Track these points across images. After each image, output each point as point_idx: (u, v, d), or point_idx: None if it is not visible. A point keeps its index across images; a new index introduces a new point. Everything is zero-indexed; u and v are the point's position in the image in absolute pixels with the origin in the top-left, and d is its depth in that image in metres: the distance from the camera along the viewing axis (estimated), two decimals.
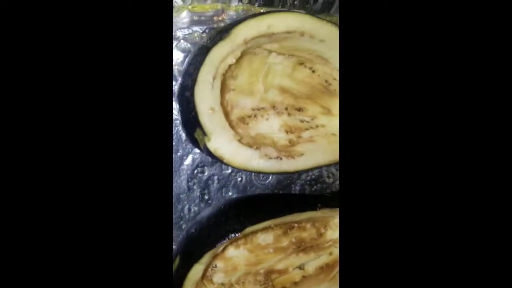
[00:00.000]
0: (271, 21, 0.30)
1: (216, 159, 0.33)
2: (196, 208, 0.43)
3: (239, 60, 0.35)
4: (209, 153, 0.32)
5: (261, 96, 0.40)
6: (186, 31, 0.38)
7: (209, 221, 0.35)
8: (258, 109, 0.40)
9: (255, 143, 0.36)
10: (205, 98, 0.30)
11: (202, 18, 0.38)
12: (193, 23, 0.37)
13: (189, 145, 0.40)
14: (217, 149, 0.31)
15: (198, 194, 0.43)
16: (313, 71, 0.40)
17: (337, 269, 0.41)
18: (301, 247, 0.42)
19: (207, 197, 0.43)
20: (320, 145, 0.39)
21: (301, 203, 0.37)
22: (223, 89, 0.35)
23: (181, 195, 0.41)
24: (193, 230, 0.35)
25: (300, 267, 0.42)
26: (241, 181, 0.44)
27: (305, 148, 0.39)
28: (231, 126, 0.34)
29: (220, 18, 0.38)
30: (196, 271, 0.33)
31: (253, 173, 0.44)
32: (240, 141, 0.33)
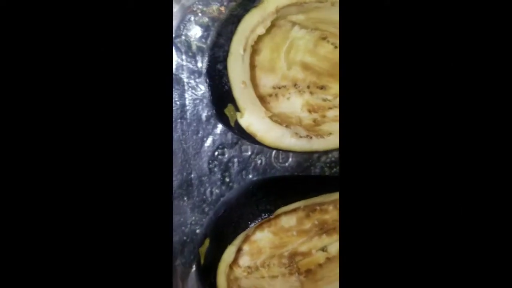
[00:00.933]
0: None
1: (247, 137, 0.31)
2: (217, 191, 0.41)
3: (262, 34, 0.34)
4: (240, 130, 0.31)
5: (282, 73, 0.38)
6: (204, 5, 0.36)
7: (238, 202, 0.34)
8: (279, 88, 0.39)
9: (283, 121, 0.35)
10: (237, 71, 0.29)
11: None
12: None
13: (209, 126, 0.39)
14: (250, 125, 0.30)
15: (219, 176, 0.41)
16: (336, 47, 0.39)
17: None
18: (324, 229, 0.42)
19: (228, 180, 0.42)
20: None
21: (328, 185, 0.36)
22: (252, 62, 0.34)
23: (202, 178, 0.40)
24: (223, 211, 0.34)
25: (323, 249, 0.42)
26: (261, 163, 0.43)
27: (332, 128, 0.37)
28: (263, 102, 0.32)
29: None
30: (230, 252, 0.32)
31: (272, 156, 0.43)
32: (271, 118, 0.32)
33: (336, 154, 0.45)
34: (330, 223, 0.42)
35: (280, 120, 0.35)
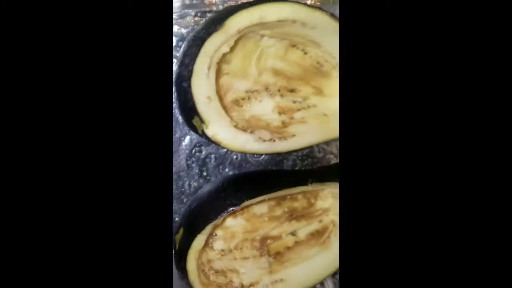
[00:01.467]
0: (263, 12, 0.31)
1: (213, 143, 0.35)
2: (195, 184, 0.46)
3: (232, 46, 0.36)
4: (207, 138, 0.35)
5: (254, 78, 0.41)
6: (178, 15, 0.38)
7: (209, 196, 0.38)
8: (252, 92, 0.42)
9: (249, 127, 0.38)
10: (202, 88, 0.32)
11: (194, 1, 0.38)
12: (185, 7, 0.38)
13: (186, 127, 0.43)
14: (215, 134, 0.34)
15: (197, 171, 0.46)
16: (305, 53, 0.41)
17: (327, 235, 0.46)
18: (293, 215, 0.47)
19: (205, 174, 0.46)
20: (311, 125, 0.42)
21: (293, 179, 0.41)
22: (218, 75, 0.37)
23: (181, 173, 0.45)
24: (195, 205, 0.39)
25: (293, 233, 0.47)
26: (236, 158, 0.47)
27: (297, 129, 0.41)
28: (227, 112, 0.36)
29: (213, 1, 0.38)
30: (200, 240, 0.37)
31: None
32: (236, 126, 0.35)
33: (307, 148, 0.49)
34: (300, 211, 0.47)
35: (248, 125, 0.39)
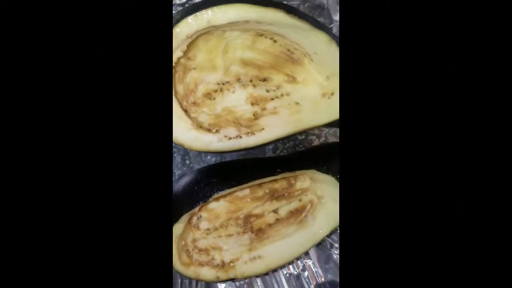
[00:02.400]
0: (211, 16, 0.30)
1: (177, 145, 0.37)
2: (179, 172, 0.49)
3: (192, 43, 0.36)
4: None
5: (224, 70, 0.41)
6: None
7: (184, 190, 0.42)
8: (223, 83, 0.42)
9: (217, 123, 0.39)
10: None
11: None
12: None
13: None
14: (176, 137, 0.35)
15: (179, 160, 0.49)
16: (275, 41, 0.40)
17: (304, 213, 0.49)
18: (275, 195, 0.49)
19: (188, 162, 0.49)
20: (281, 117, 0.42)
21: (263, 170, 0.42)
22: (180, 76, 0.37)
23: None
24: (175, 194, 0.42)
25: (275, 211, 0.50)
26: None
27: (267, 122, 0.42)
28: (190, 112, 0.37)
29: None
30: (177, 228, 0.41)
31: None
32: (199, 126, 0.37)
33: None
34: (280, 191, 0.49)
35: (216, 122, 0.40)
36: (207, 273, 0.44)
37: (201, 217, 0.48)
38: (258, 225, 0.50)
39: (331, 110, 0.41)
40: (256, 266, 0.46)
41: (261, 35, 0.40)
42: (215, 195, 0.40)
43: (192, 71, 0.40)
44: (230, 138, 0.38)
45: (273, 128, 0.41)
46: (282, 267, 0.50)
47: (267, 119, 0.42)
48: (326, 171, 0.43)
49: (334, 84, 0.41)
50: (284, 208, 0.49)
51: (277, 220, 0.50)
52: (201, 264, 0.45)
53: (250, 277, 0.46)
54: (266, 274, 0.47)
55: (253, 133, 0.40)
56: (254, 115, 0.43)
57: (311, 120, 0.42)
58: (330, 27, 0.46)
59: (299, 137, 0.52)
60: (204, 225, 0.48)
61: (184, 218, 0.41)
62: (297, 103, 0.43)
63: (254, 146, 0.40)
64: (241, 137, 0.39)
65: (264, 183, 0.48)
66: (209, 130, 0.37)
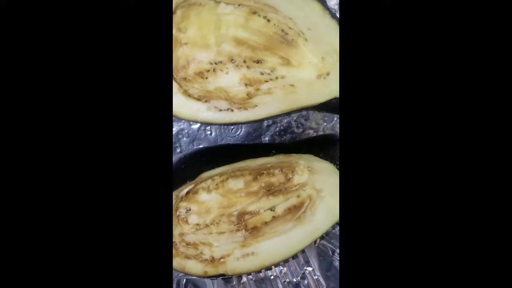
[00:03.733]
0: None
1: None
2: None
3: (184, 12, 0.36)
4: None
5: (217, 49, 0.41)
6: None
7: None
8: (216, 63, 0.41)
9: (206, 97, 0.38)
10: None
11: None
12: None
13: None
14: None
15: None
16: (268, 20, 0.40)
17: (303, 210, 0.45)
18: (271, 190, 0.46)
19: (178, 150, 0.47)
20: (276, 96, 0.41)
21: (256, 151, 0.40)
22: (174, 46, 0.36)
23: None
24: None
25: (271, 209, 0.46)
26: (210, 134, 0.47)
27: (260, 100, 0.40)
28: (176, 81, 0.36)
29: None
30: None
31: (222, 126, 0.47)
32: (187, 93, 0.35)
33: (285, 124, 0.48)
34: (277, 186, 0.46)
35: (207, 95, 0.38)
36: (193, 267, 0.40)
37: (190, 210, 0.44)
38: (253, 223, 0.46)
39: (326, 90, 0.40)
40: (249, 262, 0.42)
41: (254, 12, 0.40)
42: (205, 174, 0.37)
43: (183, 46, 0.39)
44: (220, 110, 0.36)
45: (267, 105, 0.40)
46: (280, 270, 0.45)
47: (261, 98, 0.40)
48: (324, 157, 0.41)
49: (329, 64, 0.39)
50: (282, 205, 0.45)
51: (274, 217, 0.46)
52: (187, 257, 0.41)
53: (241, 274, 0.41)
54: (259, 272, 0.42)
55: (245, 109, 0.38)
56: (247, 94, 0.41)
57: (306, 100, 0.40)
58: None
59: (296, 130, 0.50)
60: (193, 219, 0.45)
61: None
62: (292, 85, 0.41)
63: (245, 121, 0.38)
64: (232, 110, 0.37)
65: (260, 175, 0.45)
66: (198, 99, 0.36)
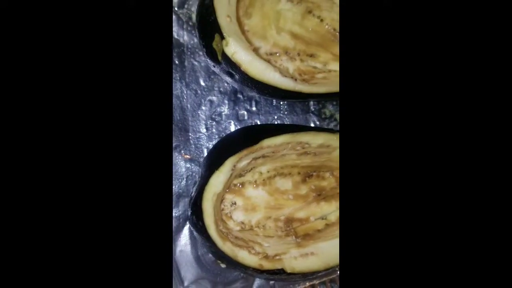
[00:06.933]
0: None
1: (234, 69, 0.34)
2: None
3: (252, 0, 0.39)
4: (227, 61, 0.34)
5: (274, 41, 0.43)
6: None
7: (232, 135, 0.36)
8: (272, 54, 0.43)
9: (271, 61, 0.38)
10: (223, 4, 0.33)
11: None
12: None
13: (206, 91, 0.43)
14: (234, 53, 0.33)
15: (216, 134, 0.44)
16: (321, 20, 0.43)
17: None
18: (322, 195, 0.41)
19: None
20: (332, 81, 0.41)
21: (318, 128, 0.38)
22: (239, 20, 0.38)
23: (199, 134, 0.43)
24: (217, 145, 0.36)
25: (322, 218, 0.41)
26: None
27: (319, 81, 0.40)
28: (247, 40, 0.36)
29: None
30: (217, 178, 0.33)
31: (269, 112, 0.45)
32: (257, 51, 0.35)
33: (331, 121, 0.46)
34: (328, 190, 0.42)
35: (269, 59, 0.38)
36: (246, 257, 0.33)
37: (235, 203, 0.39)
38: (304, 231, 0.40)
39: None
40: (310, 262, 0.35)
41: (310, 11, 0.43)
42: (266, 141, 0.34)
43: (245, 32, 0.41)
44: (285, 76, 0.36)
45: (326, 85, 0.39)
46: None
47: (318, 80, 0.40)
48: None
49: None
50: (335, 213, 0.40)
51: (327, 225, 0.41)
52: (239, 246, 0.34)
53: (302, 273, 0.33)
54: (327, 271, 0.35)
55: (307, 82, 0.38)
56: (304, 79, 0.41)
57: None
58: None
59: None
60: (238, 216, 0.39)
61: (227, 166, 0.33)
62: None
63: (308, 92, 0.37)
64: (296, 79, 0.36)
65: (309, 177, 0.42)
66: (266, 60, 0.36)
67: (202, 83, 0.43)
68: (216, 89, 0.44)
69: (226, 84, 0.44)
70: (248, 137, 0.34)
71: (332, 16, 0.43)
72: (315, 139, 0.37)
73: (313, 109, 0.46)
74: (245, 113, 0.44)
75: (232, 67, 0.34)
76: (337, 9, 0.42)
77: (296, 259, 0.35)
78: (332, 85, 0.40)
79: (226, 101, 0.44)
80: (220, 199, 0.36)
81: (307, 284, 0.41)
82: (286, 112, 0.45)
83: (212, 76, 0.44)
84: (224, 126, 0.43)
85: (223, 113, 0.44)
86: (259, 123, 0.44)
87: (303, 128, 0.37)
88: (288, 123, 0.44)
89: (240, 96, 0.44)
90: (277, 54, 0.43)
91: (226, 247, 0.33)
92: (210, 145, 0.43)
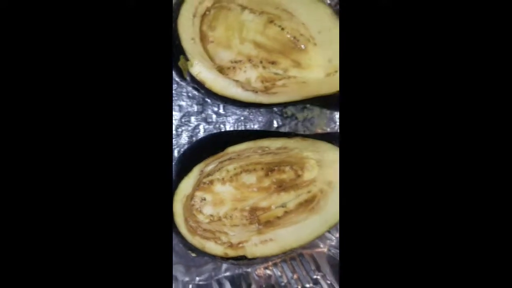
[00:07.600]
0: None
1: (199, 86, 0.38)
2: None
3: (215, 13, 0.42)
4: (192, 79, 0.38)
5: (238, 50, 0.46)
6: None
7: (200, 142, 0.40)
8: (236, 62, 0.46)
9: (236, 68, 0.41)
10: (187, 29, 0.37)
11: None
12: None
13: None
14: (199, 73, 0.37)
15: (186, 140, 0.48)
16: (282, 29, 0.47)
17: (315, 202, 0.46)
18: (282, 187, 0.47)
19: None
20: (292, 88, 0.45)
21: (278, 135, 0.43)
22: (204, 42, 0.42)
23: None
24: (186, 151, 0.41)
25: (282, 206, 0.47)
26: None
27: (278, 90, 0.45)
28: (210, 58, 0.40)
29: None
30: (186, 183, 0.38)
31: (238, 122, 0.50)
32: (219, 69, 0.39)
33: (293, 126, 0.52)
34: (288, 182, 0.47)
35: (231, 75, 0.42)
36: (213, 247, 0.39)
37: (205, 199, 0.45)
38: (266, 218, 0.46)
39: (336, 84, 0.45)
40: (269, 247, 0.41)
41: (272, 21, 0.47)
42: (231, 148, 0.39)
43: (210, 44, 0.45)
44: (247, 90, 0.40)
45: (286, 93, 0.44)
46: (290, 276, 0.44)
47: (278, 89, 0.45)
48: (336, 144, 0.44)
49: (336, 65, 0.46)
50: (293, 201, 0.47)
51: (286, 212, 0.47)
52: (206, 238, 0.40)
53: (262, 258, 0.40)
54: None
55: (267, 93, 0.42)
56: (265, 87, 0.46)
57: (319, 90, 0.45)
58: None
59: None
60: (207, 209, 0.45)
61: (195, 172, 0.38)
62: (304, 82, 0.47)
63: (269, 103, 0.41)
64: (257, 92, 0.41)
65: (271, 171, 0.47)
66: (227, 75, 0.39)
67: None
68: (185, 94, 0.47)
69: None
70: (214, 144, 0.39)
71: (291, 26, 0.47)
72: (274, 144, 0.42)
73: (276, 110, 0.51)
74: (214, 115, 0.48)
75: (197, 83, 0.38)
76: (296, 19, 0.46)
77: (257, 246, 0.41)
78: (290, 93, 0.44)
79: (194, 105, 0.48)
80: (190, 197, 0.42)
81: (269, 263, 0.48)
82: (251, 114, 0.50)
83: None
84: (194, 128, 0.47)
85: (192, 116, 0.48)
86: (227, 124, 0.48)
87: (264, 134, 0.42)
88: (254, 122, 0.49)
89: (208, 100, 0.48)
90: (241, 62, 0.46)
91: (195, 240, 0.38)
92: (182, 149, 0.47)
